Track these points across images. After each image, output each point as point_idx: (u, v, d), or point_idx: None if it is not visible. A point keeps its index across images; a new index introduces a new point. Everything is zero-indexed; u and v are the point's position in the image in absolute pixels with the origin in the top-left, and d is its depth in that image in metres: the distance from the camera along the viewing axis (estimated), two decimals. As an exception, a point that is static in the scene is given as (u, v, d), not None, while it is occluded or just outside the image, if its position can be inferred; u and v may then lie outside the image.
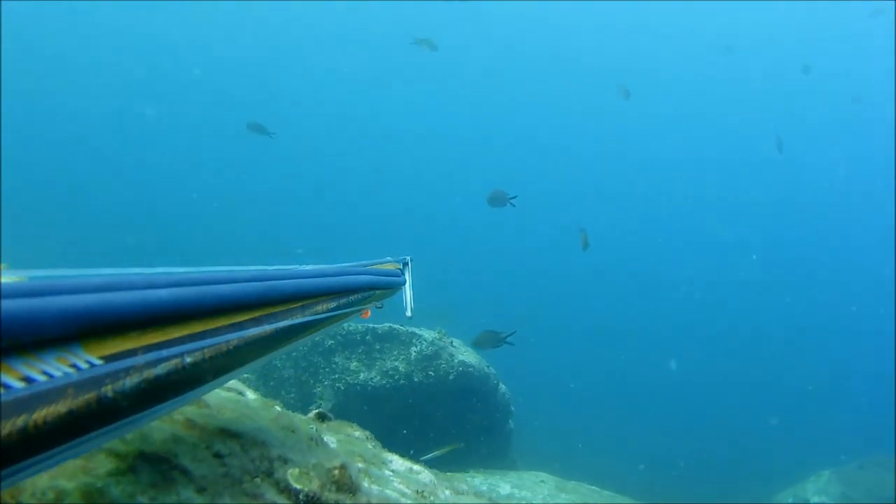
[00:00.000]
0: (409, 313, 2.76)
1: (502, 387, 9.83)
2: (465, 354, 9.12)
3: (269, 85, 36.06)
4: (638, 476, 12.43)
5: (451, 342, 9.18)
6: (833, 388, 24.37)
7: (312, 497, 1.37)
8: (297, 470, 1.44)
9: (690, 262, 34.66)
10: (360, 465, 1.81)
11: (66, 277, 0.79)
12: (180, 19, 35.02)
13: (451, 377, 8.75)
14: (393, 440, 2.35)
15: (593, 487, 9.07)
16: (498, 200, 8.31)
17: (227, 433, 1.49)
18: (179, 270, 1.05)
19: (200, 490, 1.28)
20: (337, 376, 8.53)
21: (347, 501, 1.41)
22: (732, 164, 36.94)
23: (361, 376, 8.52)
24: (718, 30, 34.61)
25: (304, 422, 2.08)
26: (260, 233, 27.39)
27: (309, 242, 26.04)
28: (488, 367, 9.43)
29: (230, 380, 1.21)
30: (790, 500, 12.08)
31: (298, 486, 1.37)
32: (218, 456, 1.40)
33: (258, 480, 1.37)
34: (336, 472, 1.46)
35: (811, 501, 11.70)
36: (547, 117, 38.13)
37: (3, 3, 26.07)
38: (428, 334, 9.02)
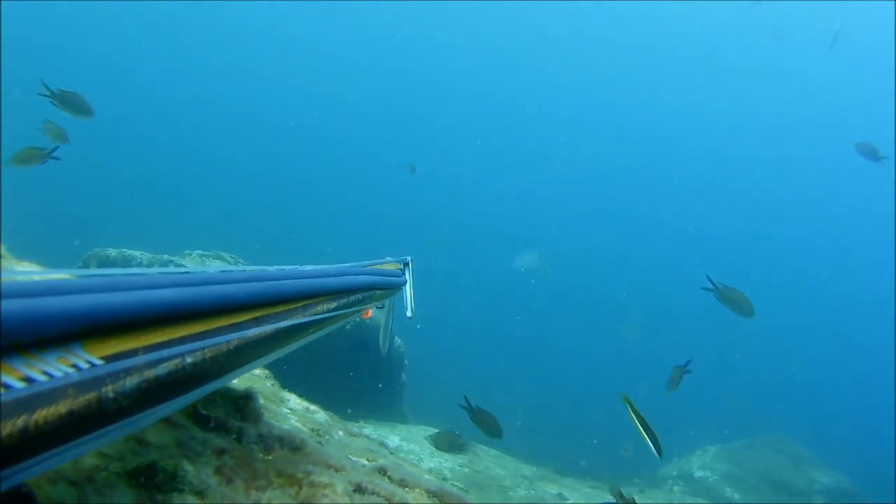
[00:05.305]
0: (409, 313, 2.83)
1: (398, 339, 10.09)
2: (363, 303, 9.30)
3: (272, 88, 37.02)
4: (525, 440, 12.95)
5: (349, 289, 9.31)
6: (729, 367, 25.71)
7: (219, 422, 1.51)
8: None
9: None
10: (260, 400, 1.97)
11: (67, 278, 0.84)
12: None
13: (346, 326, 8.91)
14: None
15: (481, 446, 9.47)
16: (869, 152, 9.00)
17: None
18: (180, 271, 1.13)
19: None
20: (225, 315, 8.52)
21: (251, 430, 1.57)
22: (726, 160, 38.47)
23: (252, 316, 8.55)
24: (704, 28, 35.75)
25: (204, 355, 2.20)
26: (260, 232, 27.01)
27: (309, 242, 26.03)
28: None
29: (231, 380, 1.28)
30: (674, 473, 12.76)
31: (205, 412, 1.52)
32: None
33: (165, 404, 1.50)
34: (241, 401, 1.61)
35: (695, 475, 12.43)
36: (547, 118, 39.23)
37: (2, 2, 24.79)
38: (326, 280, 9.11)
